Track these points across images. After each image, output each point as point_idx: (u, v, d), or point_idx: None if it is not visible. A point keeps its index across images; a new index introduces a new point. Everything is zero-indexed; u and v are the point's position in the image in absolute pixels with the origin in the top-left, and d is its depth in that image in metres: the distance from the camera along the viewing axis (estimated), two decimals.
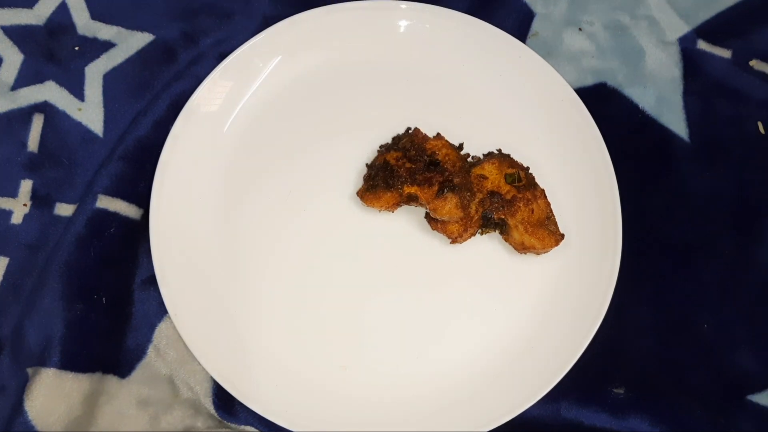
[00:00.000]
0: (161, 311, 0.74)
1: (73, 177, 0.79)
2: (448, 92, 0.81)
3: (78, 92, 0.82)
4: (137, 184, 0.78)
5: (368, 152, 0.79)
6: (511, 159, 0.77)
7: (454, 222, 0.73)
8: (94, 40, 0.84)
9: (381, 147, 0.78)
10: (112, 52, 0.83)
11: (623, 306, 0.76)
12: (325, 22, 0.81)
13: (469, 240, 0.75)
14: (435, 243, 0.75)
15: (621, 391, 0.75)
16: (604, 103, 0.84)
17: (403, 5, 0.81)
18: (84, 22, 0.84)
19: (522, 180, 0.75)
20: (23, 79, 0.82)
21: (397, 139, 0.78)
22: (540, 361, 0.72)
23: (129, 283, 0.76)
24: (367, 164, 0.78)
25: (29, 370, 0.72)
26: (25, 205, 0.78)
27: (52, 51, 0.83)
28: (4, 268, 0.76)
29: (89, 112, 0.81)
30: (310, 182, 0.78)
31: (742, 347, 0.77)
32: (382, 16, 0.81)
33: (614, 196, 0.76)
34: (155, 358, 0.74)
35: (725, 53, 0.87)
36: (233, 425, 0.73)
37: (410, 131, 0.78)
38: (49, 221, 0.77)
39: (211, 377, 0.72)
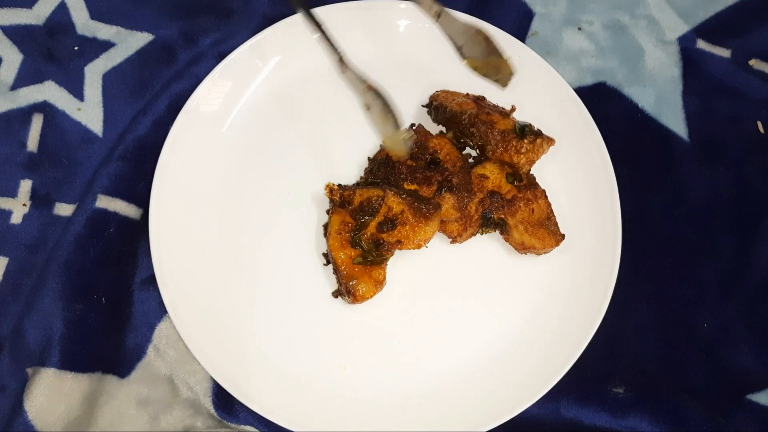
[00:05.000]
0: (161, 311, 0.74)
1: (72, 177, 0.79)
2: None
3: (77, 92, 0.82)
4: (137, 184, 0.78)
5: (367, 152, 0.79)
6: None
7: (454, 221, 0.73)
8: (94, 40, 0.84)
9: None
10: (111, 51, 0.83)
11: (623, 306, 0.76)
12: (325, 22, 0.81)
13: (469, 240, 0.75)
14: (435, 242, 0.75)
15: (621, 390, 0.75)
16: (604, 103, 0.84)
17: (402, 5, 0.81)
18: (83, 22, 0.84)
19: (523, 180, 0.75)
20: (23, 79, 0.82)
21: None
22: (540, 361, 0.72)
23: (128, 282, 0.76)
24: (369, 157, 0.78)
25: (29, 370, 0.72)
26: (24, 205, 0.78)
27: (52, 51, 0.83)
28: (4, 268, 0.76)
29: (89, 112, 0.81)
30: (309, 182, 0.78)
31: (742, 347, 0.77)
32: (382, 16, 0.82)
33: (614, 196, 0.76)
34: (155, 358, 0.74)
35: (725, 53, 0.87)
36: (233, 425, 0.73)
37: (414, 127, 0.78)
38: (49, 221, 0.77)
39: (211, 377, 0.72)
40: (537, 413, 0.73)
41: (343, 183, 0.76)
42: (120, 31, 0.84)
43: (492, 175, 0.75)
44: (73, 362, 0.72)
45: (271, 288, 0.75)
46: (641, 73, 0.86)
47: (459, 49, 0.69)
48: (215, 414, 0.73)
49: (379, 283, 0.70)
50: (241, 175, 0.78)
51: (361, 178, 0.77)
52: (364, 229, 0.70)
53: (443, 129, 0.79)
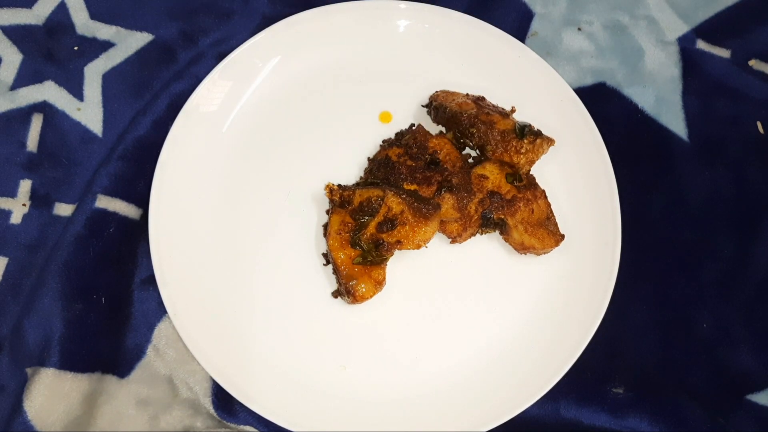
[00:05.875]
0: (160, 311, 0.74)
1: (72, 177, 0.79)
2: None
3: (77, 92, 0.82)
4: (136, 184, 0.78)
5: (367, 152, 0.79)
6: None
7: (454, 222, 0.73)
8: (93, 40, 0.84)
9: (384, 142, 0.78)
10: (111, 51, 0.83)
11: (623, 306, 0.76)
12: (324, 22, 0.81)
13: (469, 240, 0.75)
14: (435, 242, 0.75)
15: (620, 390, 0.75)
16: (604, 103, 0.84)
17: (403, 5, 0.81)
18: (83, 22, 0.84)
19: (522, 180, 0.75)
20: (22, 79, 0.82)
21: (400, 135, 0.78)
22: (539, 361, 0.72)
23: (128, 282, 0.75)
24: (369, 158, 0.78)
25: (28, 370, 0.72)
26: (24, 205, 0.78)
27: (51, 51, 0.83)
28: (4, 268, 0.75)
29: (88, 112, 0.81)
30: (309, 182, 0.77)
31: (741, 347, 0.77)
32: (381, 16, 0.81)
33: (613, 196, 0.76)
34: (154, 358, 0.74)
35: (724, 53, 0.87)
36: (232, 425, 0.73)
37: (414, 127, 0.78)
38: (49, 221, 0.77)
39: (211, 377, 0.72)
40: (537, 413, 0.73)
41: (343, 183, 0.76)
42: (120, 31, 0.84)
43: (492, 175, 0.75)
44: (73, 362, 0.72)
45: (271, 288, 0.75)
46: (641, 73, 0.86)
47: None
48: (215, 414, 0.73)
49: (379, 283, 0.70)
50: (240, 175, 0.78)
51: (361, 178, 0.77)
52: (363, 229, 0.70)
53: (443, 129, 0.79)
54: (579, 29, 0.88)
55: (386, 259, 0.71)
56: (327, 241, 0.72)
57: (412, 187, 0.73)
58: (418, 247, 0.71)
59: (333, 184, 0.73)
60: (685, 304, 0.78)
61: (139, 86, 0.82)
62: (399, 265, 0.75)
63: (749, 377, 0.76)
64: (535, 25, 0.87)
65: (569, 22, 0.88)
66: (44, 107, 0.81)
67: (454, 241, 0.74)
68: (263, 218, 0.77)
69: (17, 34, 0.83)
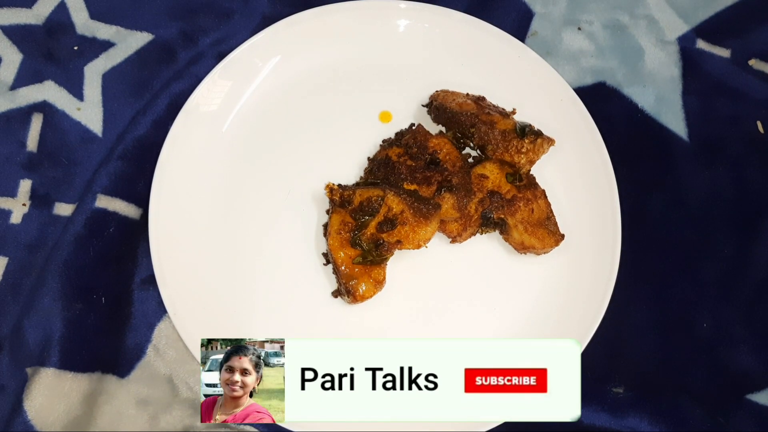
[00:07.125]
0: (160, 311, 0.74)
1: (72, 177, 0.79)
2: None
3: (77, 92, 0.82)
4: (136, 184, 0.78)
5: (367, 152, 0.79)
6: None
7: (454, 221, 0.73)
8: (93, 40, 0.84)
9: (384, 141, 0.78)
10: (111, 51, 0.83)
11: (623, 306, 0.76)
12: (324, 22, 0.81)
13: (469, 240, 0.75)
14: (435, 242, 0.75)
15: (620, 390, 0.75)
16: (604, 103, 0.84)
17: (402, 5, 0.81)
18: (83, 22, 0.84)
19: (522, 180, 0.75)
20: (22, 79, 0.82)
21: (400, 135, 0.78)
22: None
23: (128, 282, 0.76)
24: (369, 158, 0.78)
25: (28, 370, 0.72)
26: (24, 204, 0.78)
27: (51, 50, 0.83)
28: (4, 268, 0.75)
29: (88, 112, 0.81)
30: (309, 182, 0.77)
31: (741, 347, 0.77)
32: (381, 15, 0.82)
33: (613, 196, 0.76)
34: (154, 358, 0.74)
35: (724, 52, 0.87)
36: (232, 425, 0.73)
37: (414, 127, 0.78)
38: (49, 221, 0.77)
39: None
40: None
41: (343, 183, 0.76)
42: (120, 30, 0.84)
43: (492, 174, 0.75)
44: (73, 362, 0.72)
45: (271, 288, 0.75)
46: (641, 72, 0.86)
47: None
48: None
49: (379, 283, 0.70)
50: (240, 175, 0.78)
51: (361, 178, 0.77)
52: (364, 229, 0.70)
53: (443, 129, 0.79)
54: (579, 29, 0.88)
55: (386, 259, 0.71)
56: (327, 241, 0.72)
57: (412, 187, 0.73)
58: (418, 246, 0.71)
59: (333, 184, 0.73)
60: (685, 304, 0.78)
61: (139, 86, 0.82)
62: (399, 265, 0.75)
63: (749, 377, 0.76)
64: (535, 25, 0.87)
65: (569, 21, 0.88)
66: (44, 107, 0.81)
67: (454, 240, 0.74)
68: (263, 218, 0.77)
69: (17, 34, 0.83)
